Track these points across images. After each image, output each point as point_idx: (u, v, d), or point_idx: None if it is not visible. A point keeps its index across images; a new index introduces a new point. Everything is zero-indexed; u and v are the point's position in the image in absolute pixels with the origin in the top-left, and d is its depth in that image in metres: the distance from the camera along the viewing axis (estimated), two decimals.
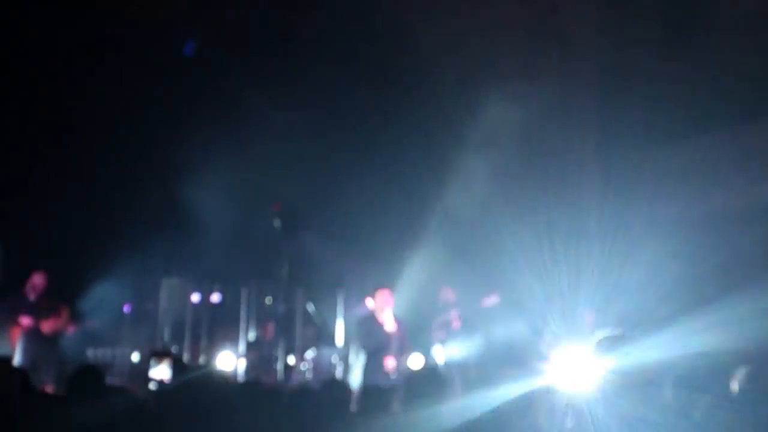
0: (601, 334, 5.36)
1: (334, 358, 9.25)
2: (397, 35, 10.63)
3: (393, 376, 6.72)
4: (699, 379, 4.99)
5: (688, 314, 6.30)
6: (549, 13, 10.08)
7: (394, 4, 11.01)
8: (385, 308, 7.02)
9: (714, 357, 5.51)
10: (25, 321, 7.34)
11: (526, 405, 4.51)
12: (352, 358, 8.89)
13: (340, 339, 9.39)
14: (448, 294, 8.88)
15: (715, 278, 7.71)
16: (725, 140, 8.90)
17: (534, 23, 10.11)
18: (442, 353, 8.33)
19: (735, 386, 4.46)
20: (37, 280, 7.64)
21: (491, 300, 8.69)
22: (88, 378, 3.79)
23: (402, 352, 7.08)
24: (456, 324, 8.96)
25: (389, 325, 6.95)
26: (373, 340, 6.89)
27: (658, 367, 5.33)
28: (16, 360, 6.60)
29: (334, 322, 9.54)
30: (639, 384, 4.86)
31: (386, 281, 7.97)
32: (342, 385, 4.33)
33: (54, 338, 7.02)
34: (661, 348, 5.84)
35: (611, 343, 4.52)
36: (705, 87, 8.52)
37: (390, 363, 6.77)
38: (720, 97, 8.47)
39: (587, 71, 9.89)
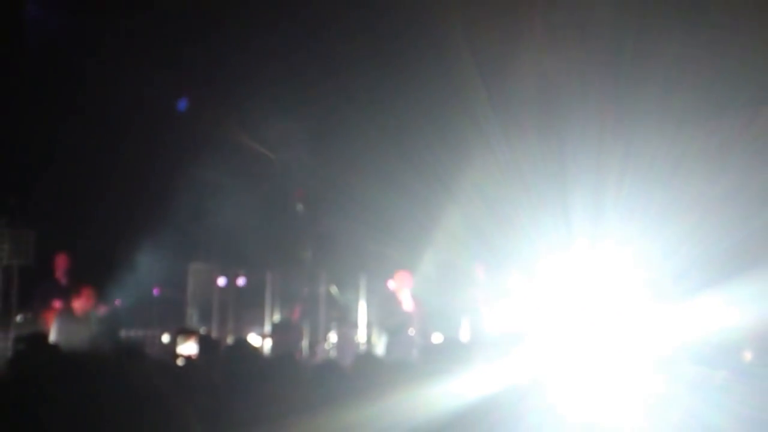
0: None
1: (357, 338, 9.31)
2: (414, 16, 10.55)
3: (414, 353, 6.76)
4: (714, 354, 4.95)
5: (704, 292, 6.26)
6: None
7: None
8: (403, 289, 7.12)
9: (727, 333, 5.47)
10: (57, 305, 7.48)
11: (541, 383, 4.49)
12: (374, 337, 8.96)
13: (362, 320, 9.45)
14: (479, 271, 8.91)
15: (729, 258, 7.63)
16: (741, 123, 8.78)
17: (552, 7, 10.00)
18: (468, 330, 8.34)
19: (748, 357, 4.43)
20: (61, 261, 7.79)
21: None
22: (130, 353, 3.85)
23: (423, 331, 7.13)
24: (480, 305, 8.98)
25: (408, 305, 7.04)
26: (393, 319, 6.98)
27: (675, 344, 5.29)
28: (52, 340, 6.71)
29: (357, 304, 9.59)
30: (656, 360, 4.84)
31: (407, 263, 8.00)
32: (374, 360, 4.34)
33: (86, 319, 7.14)
34: (677, 325, 5.80)
35: None
36: (721, 71, 8.39)
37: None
38: (737, 80, 8.35)
39: (604, 53, 9.76)
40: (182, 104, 10.73)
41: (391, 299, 7.30)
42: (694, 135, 9.14)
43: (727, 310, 5.85)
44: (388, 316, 7.19)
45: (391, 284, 8.94)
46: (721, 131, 9.04)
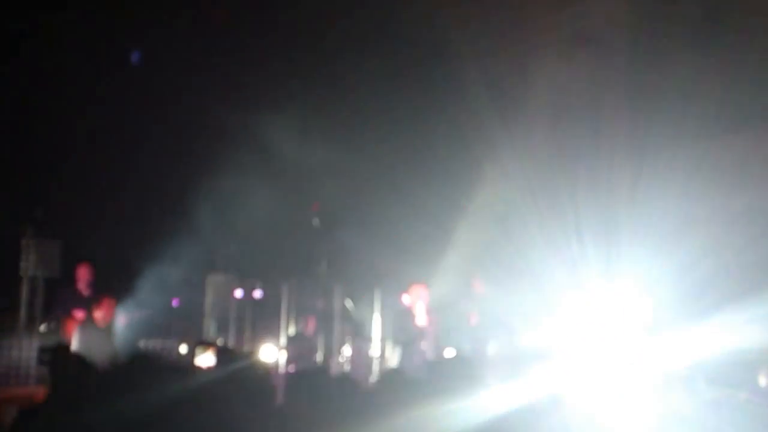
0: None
1: (372, 352, 9.26)
2: (427, 35, 10.57)
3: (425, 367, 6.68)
4: (731, 374, 4.86)
5: (720, 311, 6.16)
6: (580, 11, 9.93)
7: (423, 5, 10.97)
8: (418, 303, 7.04)
9: (745, 353, 5.38)
10: (79, 314, 7.50)
11: (553, 401, 4.43)
12: (388, 351, 8.90)
13: (376, 334, 9.40)
14: (477, 286, 8.83)
15: (746, 276, 7.52)
16: (758, 138, 8.67)
17: (565, 21, 9.97)
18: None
19: (763, 381, 4.34)
20: (83, 271, 7.80)
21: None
22: (142, 363, 3.84)
23: (436, 346, 7.06)
24: (473, 320, 8.90)
25: (421, 319, 6.96)
26: (405, 333, 6.91)
27: (691, 363, 5.20)
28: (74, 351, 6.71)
29: (371, 318, 9.55)
30: (672, 379, 4.76)
31: (421, 277, 7.95)
32: (400, 376, 4.29)
33: (106, 329, 7.15)
34: (693, 344, 5.71)
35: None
36: (737, 85, 8.30)
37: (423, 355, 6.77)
38: (752, 95, 8.26)
39: (619, 68, 9.70)
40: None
41: (405, 313, 7.23)
42: (710, 150, 9.05)
43: (746, 329, 5.76)
44: (401, 329, 7.10)
45: (406, 298, 8.90)
46: (738, 146, 8.94)
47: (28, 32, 10.16)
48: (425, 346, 7.04)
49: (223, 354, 5.63)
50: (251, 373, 4.27)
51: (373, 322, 9.37)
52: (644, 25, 9.39)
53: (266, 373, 4.71)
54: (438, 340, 7.43)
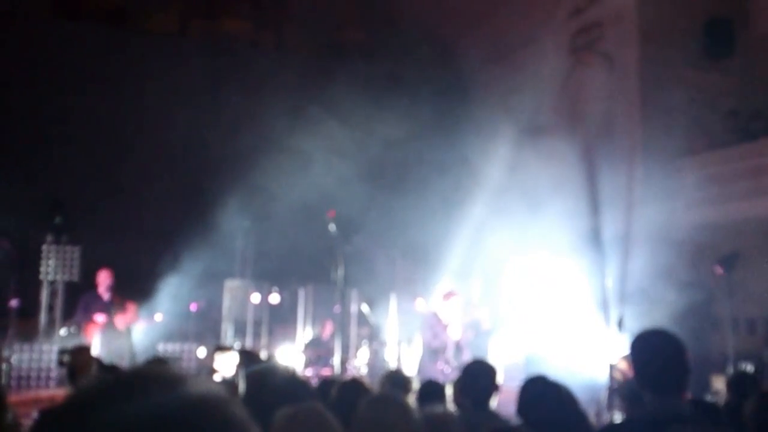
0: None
1: (387, 356, 9.20)
2: (440, 49, 10.56)
3: (447, 372, 6.58)
4: None
5: None
6: (592, 26, 9.89)
7: (438, 20, 10.98)
8: (455, 314, 6.80)
9: None
10: (100, 318, 7.47)
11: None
12: (404, 355, 8.83)
13: (393, 338, 9.34)
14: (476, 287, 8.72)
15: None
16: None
17: (577, 37, 9.93)
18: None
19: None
20: (103, 276, 7.77)
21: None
22: (157, 366, 3.78)
23: (459, 355, 6.92)
24: (486, 324, 8.78)
25: (456, 333, 6.75)
26: (437, 341, 6.72)
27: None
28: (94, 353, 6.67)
29: (387, 322, 9.49)
30: None
31: (445, 284, 7.85)
32: (404, 377, 4.21)
33: (127, 333, 7.12)
34: None
35: None
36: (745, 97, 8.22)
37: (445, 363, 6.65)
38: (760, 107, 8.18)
39: (629, 81, 9.63)
40: None
41: (436, 320, 6.98)
42: (718, 160, 8.97)
43: None
44: (432, 336, 6.85)
45: (420, 303, 8.81)
46: (748, 156, 8.85)
47: (52, 48, 10.23)
48: (450, 354, 6.88)
49: (245, 357, 5.53)
50: (271, 376, 4.20)
51: (388, 326, 9.32)
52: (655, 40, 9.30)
53: (286, 374, 4.64)
54: (460, 349, 7.31)
